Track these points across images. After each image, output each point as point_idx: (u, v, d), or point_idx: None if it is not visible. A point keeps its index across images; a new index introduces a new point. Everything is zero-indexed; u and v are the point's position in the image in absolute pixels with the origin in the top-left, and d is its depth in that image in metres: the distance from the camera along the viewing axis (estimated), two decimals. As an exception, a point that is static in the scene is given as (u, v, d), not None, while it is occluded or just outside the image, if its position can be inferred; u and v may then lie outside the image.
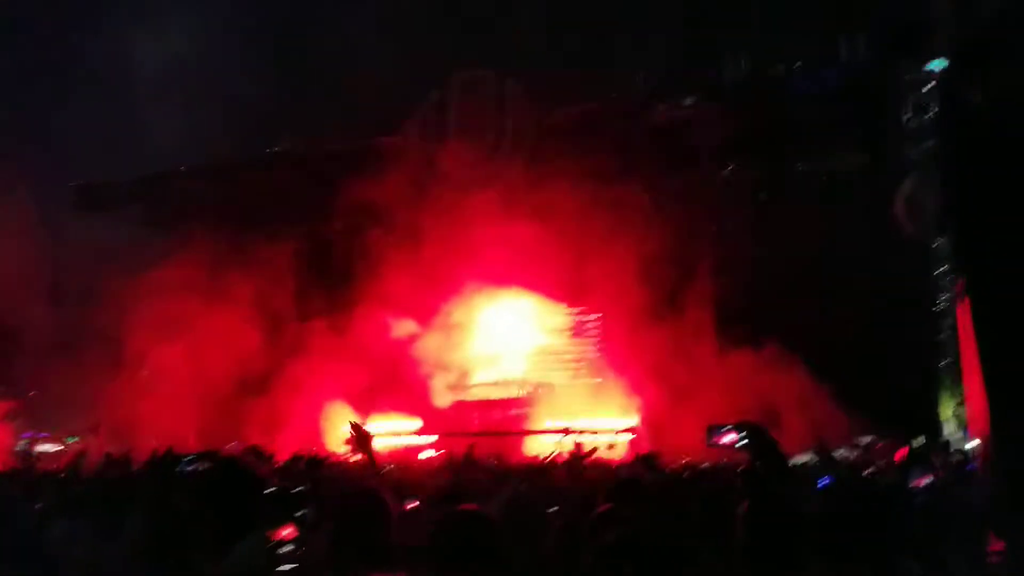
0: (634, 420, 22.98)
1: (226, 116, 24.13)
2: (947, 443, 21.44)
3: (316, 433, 23.07)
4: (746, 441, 3.90)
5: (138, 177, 27.46)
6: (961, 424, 22.34)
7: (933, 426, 22.22)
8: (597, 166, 22.20)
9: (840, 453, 18.04)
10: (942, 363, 23.13)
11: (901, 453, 16.65)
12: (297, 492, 4.63)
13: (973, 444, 21.18)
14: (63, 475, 9.81)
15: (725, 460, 12.07)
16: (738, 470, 4.50)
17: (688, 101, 24.15)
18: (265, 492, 3.63)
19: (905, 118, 23.48)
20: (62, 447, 23.58)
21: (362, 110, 24.17)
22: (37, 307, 23.41)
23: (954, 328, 22.97)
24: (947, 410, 22.76)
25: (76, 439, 22.96)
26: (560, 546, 3.73)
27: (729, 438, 4.00)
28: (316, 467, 10.48)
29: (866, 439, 20.30)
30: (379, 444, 23.41)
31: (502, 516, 3.70)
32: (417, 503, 6.04)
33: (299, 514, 4.31)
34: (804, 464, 10.90)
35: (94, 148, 24.86)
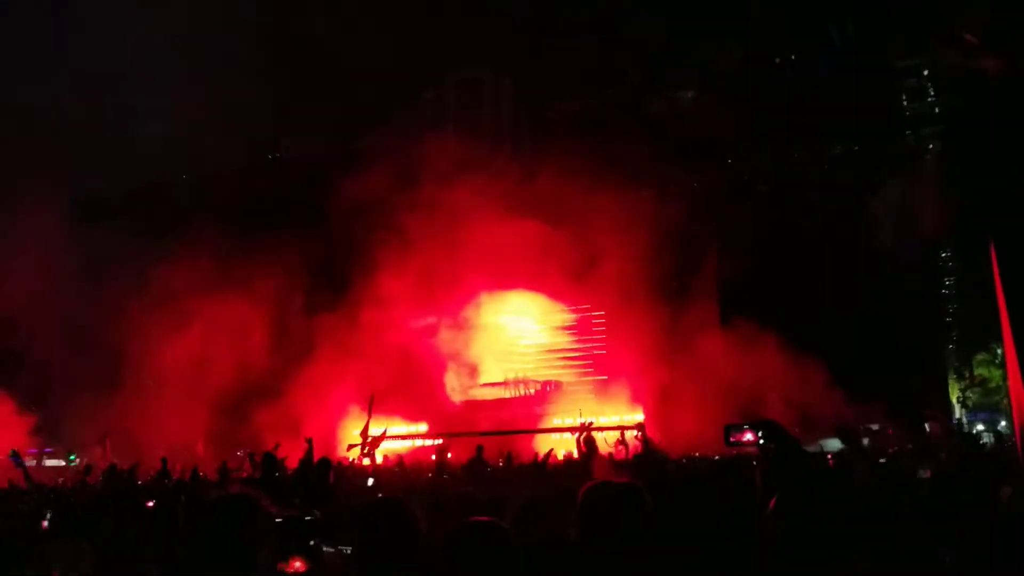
0: (640, 416, 22.89)
1: (225, 123, 24.01)
2: (960, 425, 21.49)
3: (325, 437, 23.01)
4: (764, 440, 3.83)
5: (137, 187, 27.35)
6: (968, 407, 22.35)
7: (942, 410, 22.21)
8: (596, 161, 22.12)
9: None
10: (949, 346, 23.15)
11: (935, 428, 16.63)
12: (309, 520, 4.51)
13: (980, 427, 21.23)
14: (70, 490, 9.74)
15: (736, 452, 12.01)
16: (754, 463, 4.42)
17: (686, 93, 24.07)
18: (276, 520, 3.53)
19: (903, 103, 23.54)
20: (64, 463, 23.55)
21: (360, 111, 24.08)
22: (42, 323, 23.35)
23: (958, 311, 22.99)
24: (954, 393, 22.76)
25: (75, 459, 22.99)
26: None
27: (748, 437, 3.92)
28: (326, 469, 10.45)
29: (875, 426, 20.32)
30: (387, 445, 23.61)
31: (516, 525, 3.63)
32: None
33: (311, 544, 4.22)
34: (826, 453, 10.82)
35: (90, 159, 24.81)
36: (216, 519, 3.17)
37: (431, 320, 25.69)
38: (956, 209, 20.34)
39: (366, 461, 21.37)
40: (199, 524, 3.23)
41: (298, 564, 3.75)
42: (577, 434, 11.83)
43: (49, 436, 24.74)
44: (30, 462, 23.89)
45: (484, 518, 3.24)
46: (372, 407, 23.14)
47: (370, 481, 12.43)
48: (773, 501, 3.01)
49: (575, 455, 18.79)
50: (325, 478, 10.08)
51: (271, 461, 11.25)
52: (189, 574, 3.05)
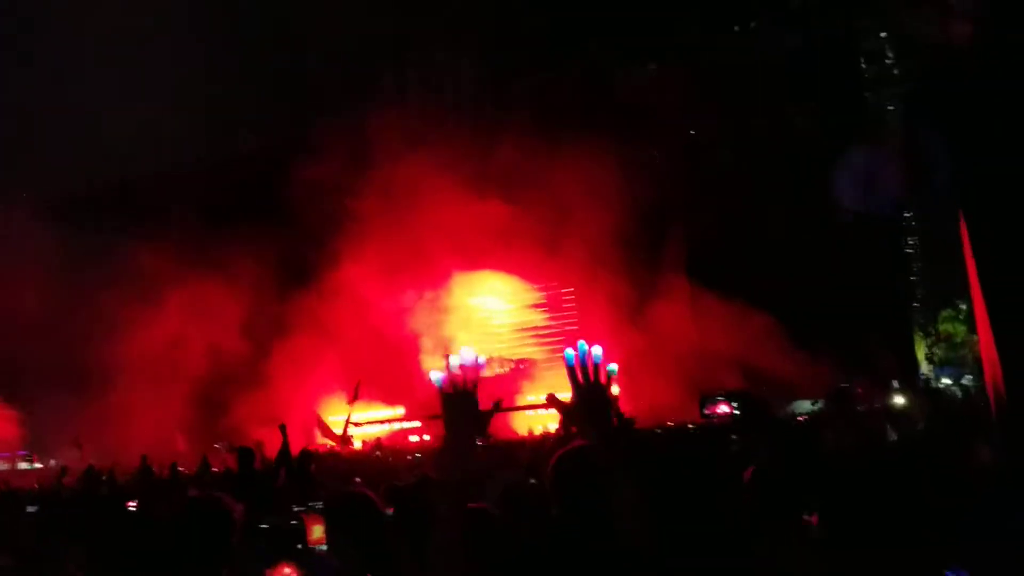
0: (615, 389, 23.03)
1: (192, 117, 23.67)
2: (927, 382, 21.90)
3: (305, 424, 22.98)
4: (739, 411, 3.91)
5: (106, 185, 26.83)
6: (935, 363, 22.78)
7: (909, 367, 22.63)
8: (558, 137, 22.12)
9: (822, 403, 18.41)
10: (914, 304, 23.55)
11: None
12: (294, 525, 4.51)
13: (946, 380, 21.65)
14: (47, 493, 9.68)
15: (712, 423, 12.23)
16: (732, 436, 4.51)
17: (646, 65, 24.07)
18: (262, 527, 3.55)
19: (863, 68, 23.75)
20: (40, 465, 23.34)
21: (321, 96, 23.83)
22: (7, 322, 23.01)
23: (923, 269, 23.38)
24: (921, 350, 23.17)
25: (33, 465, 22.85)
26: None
27: (723, 409, 4.00)
28: (307, 461, 10.43)
29: (844, 385, 20.64)
30: (367, 430, 23.65)
31: (500, 507, 3.68)
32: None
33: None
34: (796, 416, 10.99)
35: (57, 158, 24.42)
36: (182, 531, 3.15)
37: (403, 303, 25.64)
38: (918, 167, 20.62)
39: (358, 444, 21.46)
40: (168, 534, 3.22)
41: (287, 571, 3.75)
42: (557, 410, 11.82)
43: (22, 439, 24.51)
44: (2, 466, 23.74)
45: (473, 504, 3.24)
46: (358, 393, 23.11)
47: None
48: (749, 472, 3.08)
49: (551, 430, 19.03)
50: (307, 470, 10.05)
51: (247, 456, 11.00)
52: None
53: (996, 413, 5.84)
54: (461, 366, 2.63)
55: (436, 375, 2.64)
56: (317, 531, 3.79)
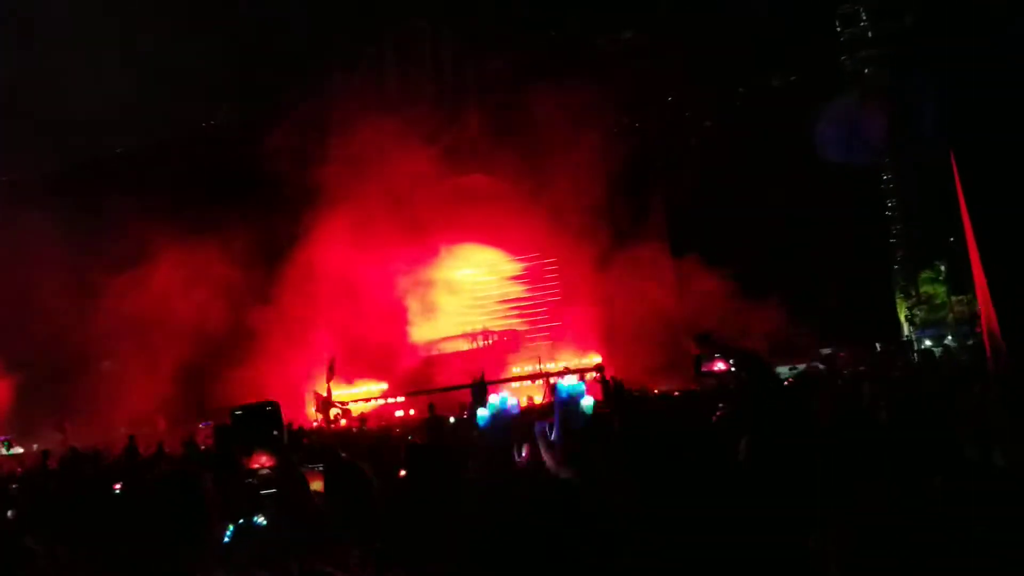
0: (597, 358, 23.10)
1: (159, 91, 23.26)
2: (910, 342, 22.07)
3: (292, 400, 22.85)
4: (736, 368, 3.84)
5: (70, 164, 26.41)
6: (916, 324, 22.95)
7: (892, 328, 22.82)
8: (538, 108, 21.98)
9: (809, 365, 18.53)
10: (894, 266, 23.68)
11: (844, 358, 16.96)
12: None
13: (927, 342, 21.85)
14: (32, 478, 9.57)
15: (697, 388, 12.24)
16: (720, 404, 4.46)
17: (624, 34, 23.93)
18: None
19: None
20: (22, 450, 23.13)
21: (297, 73, 23.53)
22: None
23: (901, 232, 23.50)
24: (902, 311, 23.33)
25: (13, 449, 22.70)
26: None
27: (719, 366, 3.94)
28: (299, 439, 10.36)
29: (826, 351, 20.79)
30: (352, 406, 23.56)
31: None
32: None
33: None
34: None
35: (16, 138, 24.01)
36: (155, 500, 3.16)
37: (387, 277, 25.51)
38: (896, 128, 20.72)
39: (343, 421, 21.38)
40: (142, 505, 3.23)
41: (264, 459, 3.80)
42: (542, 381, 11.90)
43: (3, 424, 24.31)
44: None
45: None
46: (333, 370, 23.04)
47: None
48: (744, 443, 3.03)
49: (536, 401, 19.06)
50: (299, 447, 9.96)
51: (225, 434, 10.84)
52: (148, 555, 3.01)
53: (992, 360, 5.84)
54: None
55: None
56: (315, 485, 3.90)
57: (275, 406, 6.95)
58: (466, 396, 18.32)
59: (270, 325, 23.40)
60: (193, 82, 23.44)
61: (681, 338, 19.43)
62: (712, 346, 4.08)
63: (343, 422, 22.03)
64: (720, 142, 23.08)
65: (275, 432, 6.46)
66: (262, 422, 6.74)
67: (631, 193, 23.25)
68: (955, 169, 6.71)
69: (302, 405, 23.18)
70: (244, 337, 23.27)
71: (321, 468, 3.94)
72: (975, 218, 6.39)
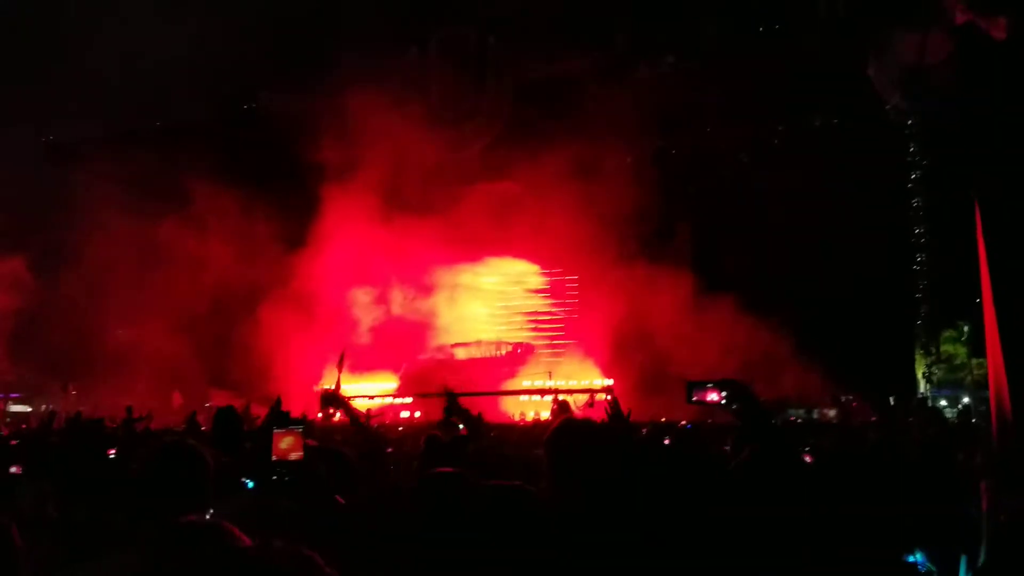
0: (609, 380, 23.01)
1: (200, 73, 23.48)
2: (924, 400, 21.79)
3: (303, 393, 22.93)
4: (728, 400, 3.81)
5: (113, 132, 26.70)
6: (933, 382, 22.67)
7: (908, 384, 22.55)
8: (576, 125, 21.98)
9: (821, 412, 18.38)
10: (917, 322, 23.41)
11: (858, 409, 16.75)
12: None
13: (943, 402, 21.58)
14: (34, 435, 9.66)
15: (709, 420, 12.16)
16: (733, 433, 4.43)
17: (668, 59, 23.88)
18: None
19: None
20: (30, 409, 23.37)
21: (339, 66, 23.65)
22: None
23: (928, 287, 23.24)
24: (920, 368, 23.06)
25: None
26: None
27: (712, 396, 3.90)
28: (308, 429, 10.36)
29: (841, 398, 20.59)
30: (356, 405, 23.57)
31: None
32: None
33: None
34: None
35: (64, 101, 24.33)
36: (154, 472, 3.15)
37: (402, 281, 25.63)
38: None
39: (337, 416, 21.30)
40: (141, 469, 3.22)
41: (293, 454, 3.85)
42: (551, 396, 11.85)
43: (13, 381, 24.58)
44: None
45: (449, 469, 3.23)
46: (343, 364, 23.03)
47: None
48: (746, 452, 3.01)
49: (542, 417, 18.99)
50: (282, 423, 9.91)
51: (224, 418, 10.77)
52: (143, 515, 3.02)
53: (997, 425, 5.74)
54: None
55: None
56: (286, 442, 3.82)
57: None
58: (471, 404, 18.26)
59: (293, 312, 23.56)
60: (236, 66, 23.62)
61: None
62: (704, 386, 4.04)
63: (337, 417, 22.02)
64: (753, 178, 22.96)
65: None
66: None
67: (660, 219, 23.18)
68: (978, 222, 6.62)
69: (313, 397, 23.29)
70: (267, 322, 23.47)
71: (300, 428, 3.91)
72: (995, 277, 6.28)
